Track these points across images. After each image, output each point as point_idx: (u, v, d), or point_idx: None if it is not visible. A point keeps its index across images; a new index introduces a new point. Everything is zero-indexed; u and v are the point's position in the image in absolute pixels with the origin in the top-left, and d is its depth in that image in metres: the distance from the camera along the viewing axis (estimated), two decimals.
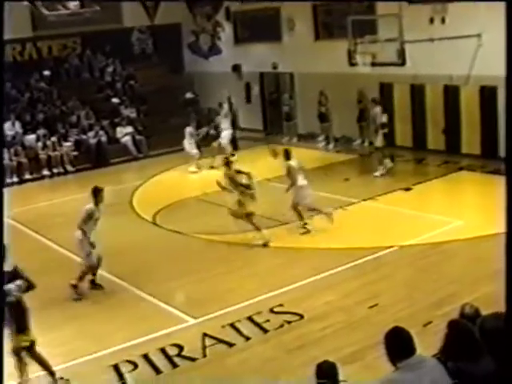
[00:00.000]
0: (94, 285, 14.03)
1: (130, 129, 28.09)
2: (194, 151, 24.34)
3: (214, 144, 24.95)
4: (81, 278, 13.65)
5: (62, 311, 12.96)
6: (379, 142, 21.00)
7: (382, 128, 20.88)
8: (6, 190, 22.42)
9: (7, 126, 26.92)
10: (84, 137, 27.65)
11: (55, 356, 11.00)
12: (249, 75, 30.37)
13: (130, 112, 29.45)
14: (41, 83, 29.74)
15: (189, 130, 24.79)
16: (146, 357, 10.84)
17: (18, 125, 27.22)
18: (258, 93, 30.55)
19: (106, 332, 11.95)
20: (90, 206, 13.72)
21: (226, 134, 25.27)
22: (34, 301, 13.40)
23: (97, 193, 13.79)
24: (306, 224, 16.46)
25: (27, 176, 25.57)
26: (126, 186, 18.73)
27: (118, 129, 28.17)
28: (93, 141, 27.32)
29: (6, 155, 25.38)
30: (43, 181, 25.47)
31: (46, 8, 29.32)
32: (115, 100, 29.94)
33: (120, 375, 10.41)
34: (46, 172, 25.99)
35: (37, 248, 17.15)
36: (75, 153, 26.81)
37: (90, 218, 13.66)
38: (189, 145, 24.54)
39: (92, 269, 13.88)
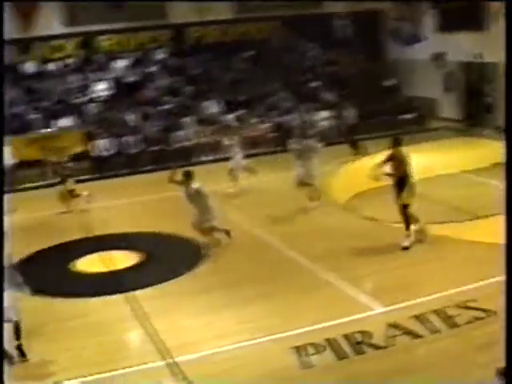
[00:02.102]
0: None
1: (328, 113, 28.14)
2: None
3: None
4: None
5: (254, 289, 13.14)
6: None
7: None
8: (205, 167, 23.15)
9: (208, 104, 27.69)
10: (283, 119, 27.96)
11: (241, 332, 11.21)
12: (451, 64, 29.65)
13: (329, 96, 29.51)
14: (242, 64, 30.32)
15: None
16: (330, 341, 10.78)
17: (218, 105, 27.92)
18: (460, 82, 29.78)
19: (292, 313, 12.01)
20: None
21: None
22: (228, 277, 13.83)
23: None
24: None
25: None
26: (321, 171, 18.71)
27: (317, 113, 28.27)
28: (292, 123, 27.55)
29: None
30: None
31: None
32: (315, 84, 30.08)
33: (302, 357, 10.39)
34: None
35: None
36: (274, 134, 27.17)
37: None
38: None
39: None
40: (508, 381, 5.44)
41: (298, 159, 18.60)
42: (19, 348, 10.97)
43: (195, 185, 15.35)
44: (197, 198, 15.32)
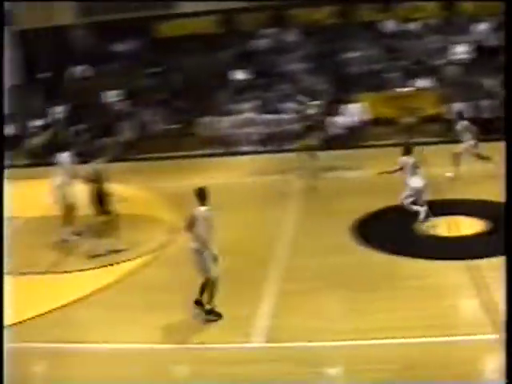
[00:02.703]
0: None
1: None
2: None
3: None
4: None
5: None
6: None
7: None
8: None
9: None
10: None
11: None
12: None
13: None
14: None
15: None
16: None
17: None
18: None
19: None
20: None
21: None
22: None
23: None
24: None
25: None
26: None
27: None
28: None
29: None
30: None
31: None
32: None
33: None
34: None
35: None
36: None
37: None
38: None
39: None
40: (508, 381, 4.98)
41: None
42: (209, 311, 11.54)
43: (409, 159, 16.05)
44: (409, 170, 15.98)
